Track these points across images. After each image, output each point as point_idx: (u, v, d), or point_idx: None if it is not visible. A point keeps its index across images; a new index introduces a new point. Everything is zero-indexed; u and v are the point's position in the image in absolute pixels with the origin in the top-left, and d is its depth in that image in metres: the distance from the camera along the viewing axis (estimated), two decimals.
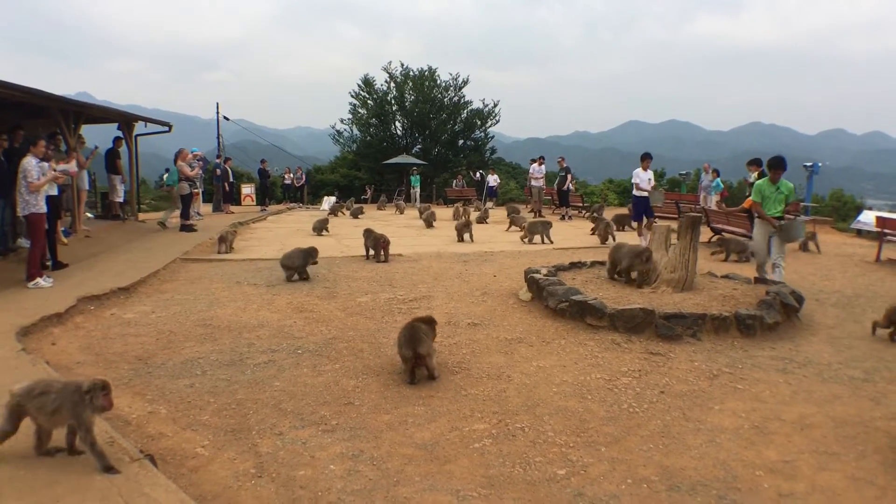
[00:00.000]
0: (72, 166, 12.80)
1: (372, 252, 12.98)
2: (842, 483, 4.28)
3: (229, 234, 14.65)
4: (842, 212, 27.33)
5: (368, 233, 13.18)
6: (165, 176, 25.39)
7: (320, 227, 18.26)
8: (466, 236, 16.55)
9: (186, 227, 16.99)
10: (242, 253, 13.93)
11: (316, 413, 5.35)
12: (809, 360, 6.80)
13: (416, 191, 33.70)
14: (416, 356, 6.00)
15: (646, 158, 15.55)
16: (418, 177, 34.52)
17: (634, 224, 16.13)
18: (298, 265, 10.74)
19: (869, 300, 9.68)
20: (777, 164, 9.88)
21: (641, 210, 15.41)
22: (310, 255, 10.89)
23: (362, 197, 35.56)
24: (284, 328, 7.89)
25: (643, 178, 15.13)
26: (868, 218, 20.12)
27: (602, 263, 10.99)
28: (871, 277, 11.86)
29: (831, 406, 5.59)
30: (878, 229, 15.21)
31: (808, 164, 24.49)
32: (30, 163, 9.30)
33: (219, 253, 13.95)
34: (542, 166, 24.79)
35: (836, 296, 9.95)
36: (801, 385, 6.09)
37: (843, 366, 6.68)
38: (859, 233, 20.62)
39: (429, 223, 20.37)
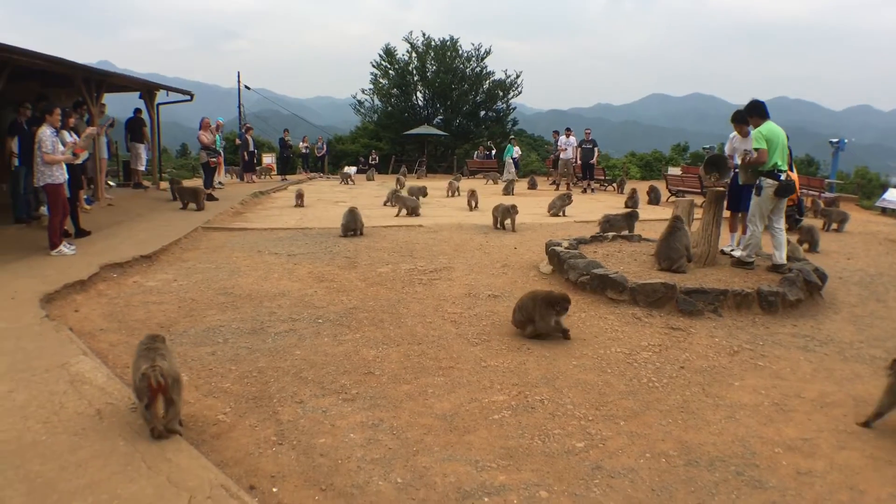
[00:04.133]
0: (93, 131, 12.87)
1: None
2: (860, 462, 4.26)
3: (303, 191, 17.93)
4: (867, 189, 26.98)
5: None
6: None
7: (414, 196, 18.23)
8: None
9: (209, 197, 17.08)
10: (263, 222, 14.00)
11: (336, 382, 5.39)
12: (831, 339, 6.75)
13: (513, 163, 28.40)
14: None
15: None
16: (513, 147, 29.41)
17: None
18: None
19: (893, 279, 9.56)
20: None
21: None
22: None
23: (371, 160, 35.43)
24: (305, 297, 7.93)
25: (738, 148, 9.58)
26: (893, 196, 19.88)
27: (623, 237, 10.94)
28: (895, 256, 11.70)
29: (852, 385, 5.55)
30: None
31: (835, 140, 24.13)
32: (44, 133, 9.30)
33: (296, 206, 16.71)
34: (572, 138, 24.46)
35: (859, 274, 9.83)
36: (822, 363, 6.05)
37: (865, 345, 6.63)
38: (884, 211, 20.38)
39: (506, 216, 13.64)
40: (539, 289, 7.05)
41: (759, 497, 3.83)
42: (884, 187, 25.66)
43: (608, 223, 12.02)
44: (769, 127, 8.51)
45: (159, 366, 4.13)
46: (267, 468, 4.04)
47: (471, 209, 16.94)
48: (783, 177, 8.50)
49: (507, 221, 13.23)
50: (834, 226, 14.77)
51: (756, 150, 8.43)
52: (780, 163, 8.49)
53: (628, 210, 12.40)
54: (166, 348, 4.47)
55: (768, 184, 8.49)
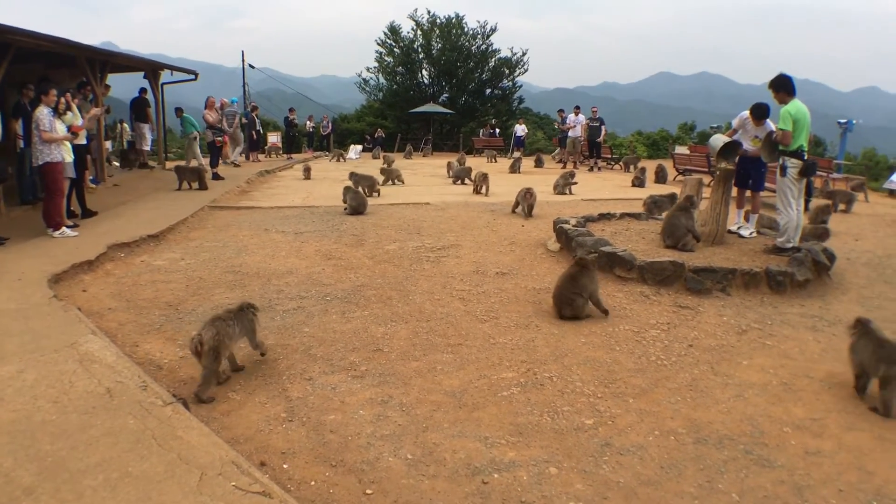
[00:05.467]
0: (98, 112, 12.82)
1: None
2: (869, 443, 4.26)
3: (310, 165, 19.48)
4: (874, 171, 26.80)
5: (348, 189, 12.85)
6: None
7: (462, 176, 18.14)
8: (484, 189, 14.77)
9: (215, 176, 17.06)
10: (269, 200, 13.99)
11: (345, 359, 5.40)
12: (839, 319, 6.70)
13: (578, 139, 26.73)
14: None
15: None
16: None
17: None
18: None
19: None
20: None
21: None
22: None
23: (377, 135, 35.27)
24: (313, 275, 7.94)
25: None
26: None
27: (631, 215, 10.91)
28: None
29: None
30: None
31: (843, 120, 23.94)
32: (41, 112, 9.21)
33: (305, 179, 18.28)
34: (581, 116, 24.30)
35: (867, 255, 9.78)
36: (830, 343, 6.02)
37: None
38: (892, 193, 20.26)
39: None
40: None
41: (767, 476, 3.83)
42: (891, 169, 25.49)
43: (654, 203, 11.95)
44: (797, 106, 8.30)
45: (201, 334, 4.66)
46: (277, 445, 4.06)
47: (476, 193, 15.51)
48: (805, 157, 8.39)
49: (525, 206, 12.31)
50: (841, 206, 14.67)
51: (781, 130, 8.28)
52: (804, 144, 8.37)
53: (671, 192, 12.40)
54: (241, 318, 5.06)
55: (793, 164, 8.33)
